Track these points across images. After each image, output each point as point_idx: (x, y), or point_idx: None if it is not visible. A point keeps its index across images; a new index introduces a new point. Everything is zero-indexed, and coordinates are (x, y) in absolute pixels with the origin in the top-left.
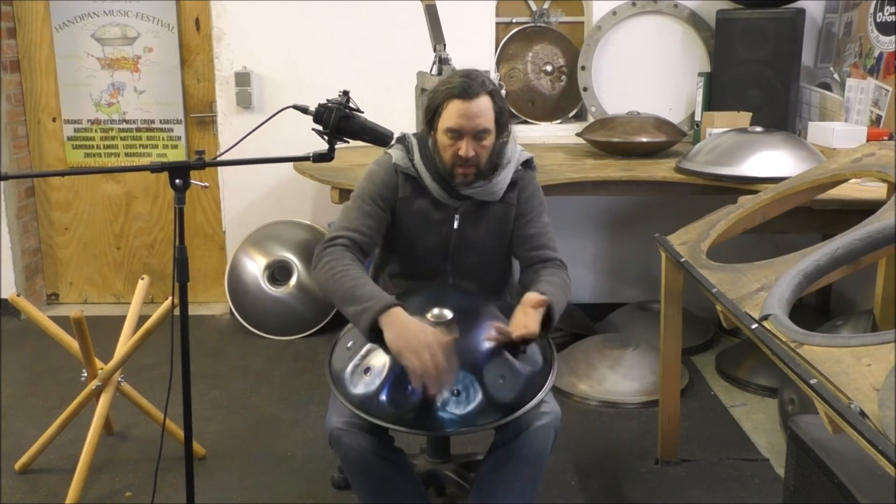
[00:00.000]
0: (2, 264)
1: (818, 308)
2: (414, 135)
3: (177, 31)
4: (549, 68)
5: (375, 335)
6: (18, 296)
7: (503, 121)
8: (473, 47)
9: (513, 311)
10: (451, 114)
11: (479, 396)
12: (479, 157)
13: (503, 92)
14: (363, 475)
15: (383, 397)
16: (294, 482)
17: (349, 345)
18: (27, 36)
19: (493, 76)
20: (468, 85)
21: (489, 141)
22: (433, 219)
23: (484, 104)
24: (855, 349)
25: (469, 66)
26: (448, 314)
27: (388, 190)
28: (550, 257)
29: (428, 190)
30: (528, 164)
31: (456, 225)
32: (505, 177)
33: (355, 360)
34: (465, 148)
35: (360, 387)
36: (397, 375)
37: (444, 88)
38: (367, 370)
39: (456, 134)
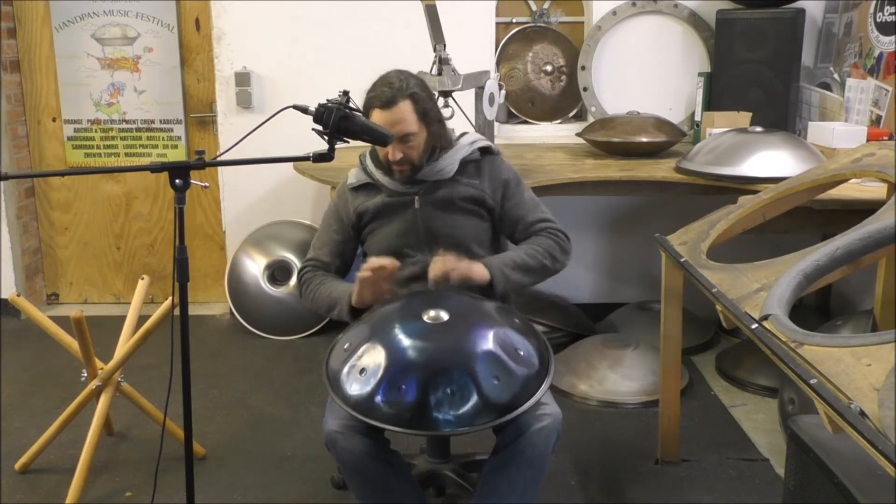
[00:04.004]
0: (2, 264)
1: (818, 308)
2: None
3: (177, 31)
4: (549, 68)
5: (356, 315)
6: (18, 296)
7: (430, 117)
8: (473, 47)
9: (510, 311)
10: (375, 122)
11: (474, 397)
12: (409, 157)
13: (503, 92)
14: (360, 478)
15: (379, 398)
16: (294, 482)
17: (346, 346)
18: (27, 36)
19: (493, 76)
20: (386, 94)
21: (416, 141)
22: (391, 205)
23: (404, 110)
24: (855, 349)
25: (469, 66)
26: (444, 316)
27: (341, 211)
28: (545, 227)
29: (382, 185)
30: (488, 151)
31: (417, 205)
32: (452, 157)
33: (351, 361)
34: (392, 153)
35: (356, 388)
36: (392, 376)
37: (369, 97)
38: (363, 371)
39: None
